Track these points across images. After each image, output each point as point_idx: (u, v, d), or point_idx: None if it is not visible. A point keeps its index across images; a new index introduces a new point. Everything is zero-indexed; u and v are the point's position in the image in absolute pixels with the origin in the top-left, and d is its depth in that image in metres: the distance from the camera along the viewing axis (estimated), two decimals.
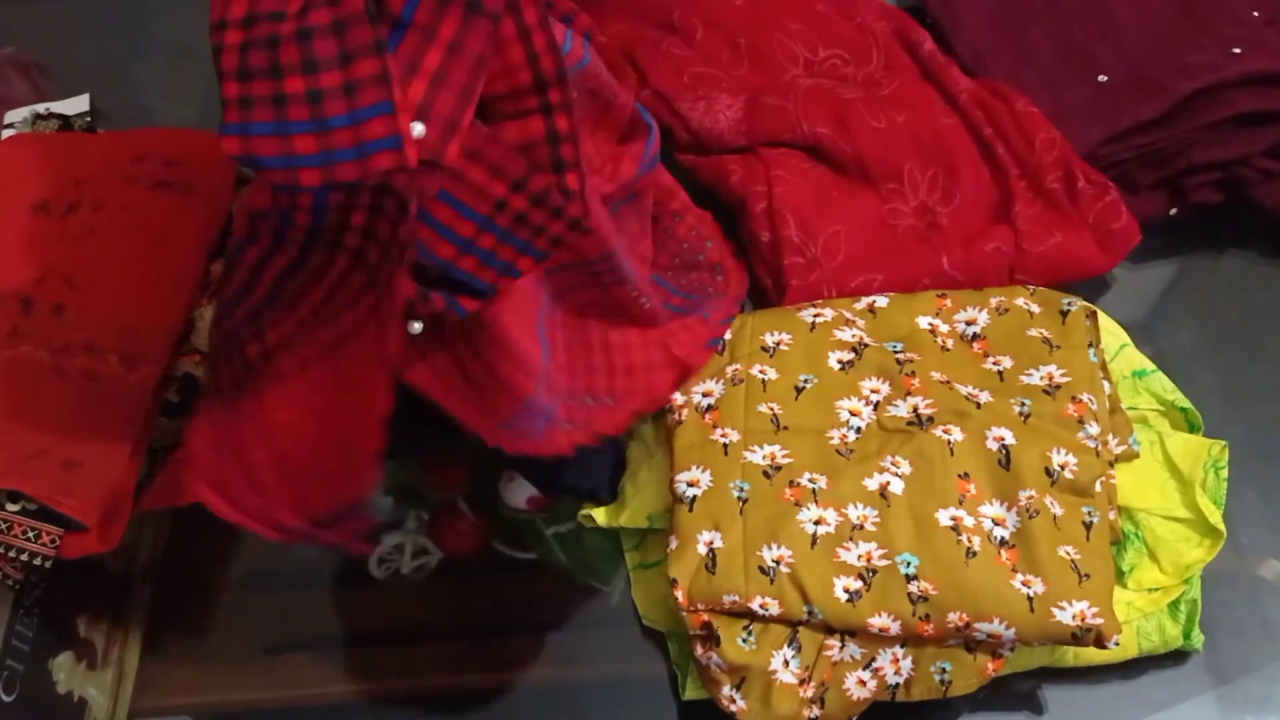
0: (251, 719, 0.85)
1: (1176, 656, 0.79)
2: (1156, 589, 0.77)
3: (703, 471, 0.77)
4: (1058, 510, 0.73)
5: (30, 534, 0.74)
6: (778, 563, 0.72)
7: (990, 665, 0.73)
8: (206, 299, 0.86)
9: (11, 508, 0.75)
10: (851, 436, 0.78)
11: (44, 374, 0.79)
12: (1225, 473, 0.81)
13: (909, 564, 0.71)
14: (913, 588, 0.71)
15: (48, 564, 0.75)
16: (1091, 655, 0.76)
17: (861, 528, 0.73)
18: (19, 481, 0.74)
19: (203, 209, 0.88)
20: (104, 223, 0.87)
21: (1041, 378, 0.79)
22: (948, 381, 0.80)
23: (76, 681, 0.83)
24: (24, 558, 0.74)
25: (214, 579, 0.89)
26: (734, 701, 0.72)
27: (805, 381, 0.81)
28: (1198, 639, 0.78)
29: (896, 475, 0.75)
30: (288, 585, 0.88)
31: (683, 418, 0.82)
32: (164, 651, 0.87)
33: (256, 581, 0.89)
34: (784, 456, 0.77)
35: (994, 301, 0.85)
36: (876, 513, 0.74)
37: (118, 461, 0.77)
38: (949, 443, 0.76)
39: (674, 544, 0.75)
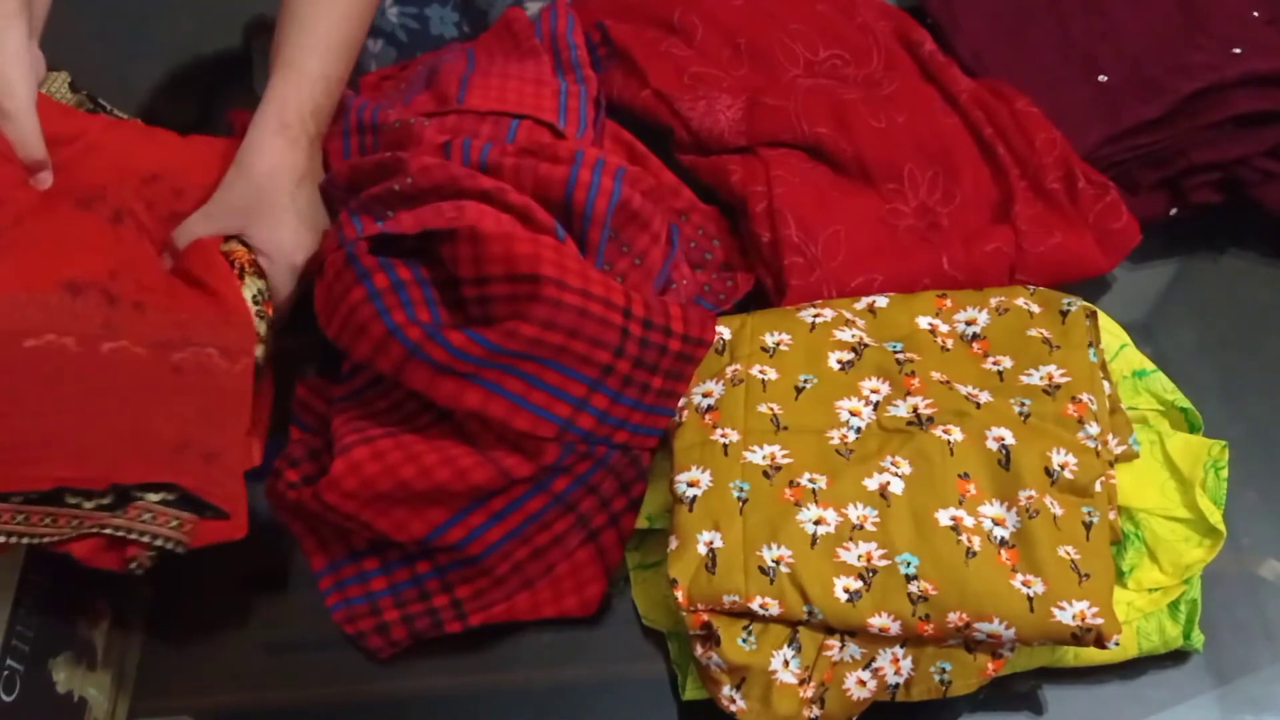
0: (251, 719, 0.85)
1: (1176, 656, 0.79)
2: (1156, 589, 0.77)
3: (703, 471, 0.77)
4: (1058, 510, 0.73)
5: (172, 523, 0.75)
6: (778, 563, 0.72)
7: (990, 665, 0.73)
8: (239, 278, 0.85)
9: (153, 498, 0.75)
10: (851, 436, 0.78)
11: (156, 369, 0.78)
12: (1225, 473, 0.81)
13: (909, 564, 0.71)
14: (913, 588, 0.71)
15: (183, 550, 0.75)
16: (1092, 655, 0.76)
17: (861, 528, 0.73)
18: (174, 475, 0.75)
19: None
20: (141, 236, 0.87)
21: (1041, 378, 0.79)
22: (947, 381, 0.80)
23: (76, 681, 0.83)
24: (159, 544, 0.74)
25: (214, 579, 0.89)
26: (734, 701, 0.72)
27: (805, 381, 0.81)
28: (1198, 639, 0.78)
29: (896, 475, 0.75)
30: (288, 585, 0.88)
31: (682, 418, 0.82)
32: (164, 651, 0.87)
33: (256, 582, 0.89)
34: (784, 456, 0.77)
35: (994, 301, 0.85)
36: (876, 513, 0.74)
37: (244, 451, 0.79)
38: (949, 443, 0.76)
39: (674, 544, 0.75)
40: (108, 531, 0.74)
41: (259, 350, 0.83)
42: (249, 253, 0.86)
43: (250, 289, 0.84)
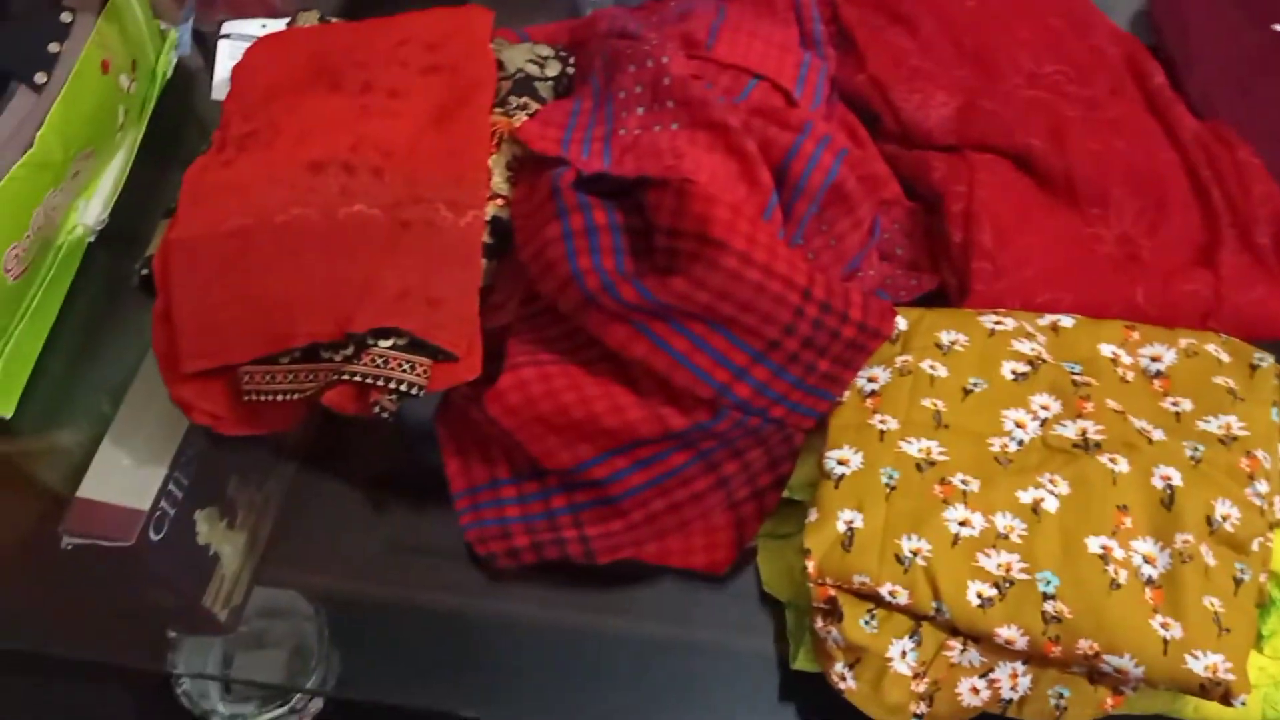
0: (356, 607, 0.88)
1: None
2: None
3: (855, 453, 0.77)
4: (1211, 560, 0.71)
5: (405, 366, 0.79)
6: (915, 554, 0.72)
7: (1110, 700, 0.72)
8: (494, 145, 0.90)
9: (384, 344, 0.80)
10: (1013, 447, 0.77)
11: (387, 226, 0.85)
12: None
13: (1049, 582, 0.70)
14: (1048, 607, 0.70)
15: (421, 393, 0.79)
16: (1212, 712, 0.74)
17: (1006, 538, 0.73)
18: (397, 319, 0.79)
19: (473, 82, 0.93)
20: (392, 101, 0.93)
21: (1219, 426, 0.77)
22: (1122, 412, 0.78)
23: (216, 536, 0.89)
24: (401, 388, 0.78)
25: (355, 473, 0.93)
26: (844, 679, 0.72)
27: (974, 385, 0.80)
28: None
29: (1053, 493, 0.74)
30: (424, 493, 0.90)
31: (843, 398, 0.81)
32: (294, 528, 0.91)
33: (395, 481, 0.92)
34: (940, 453, 0.77)
35: (1183, 343, 0.83)
36: (1025, 526, 0.73)
37: (471, 296, 0.83)
38: (1113, 472, 0.74)
39: (813, 516, 0.75)
40: (356, 379, 0.78)
41: (494, 208, 0.87)
42: (512, 122, 0.91)
43: (505, 154, 0.89)
